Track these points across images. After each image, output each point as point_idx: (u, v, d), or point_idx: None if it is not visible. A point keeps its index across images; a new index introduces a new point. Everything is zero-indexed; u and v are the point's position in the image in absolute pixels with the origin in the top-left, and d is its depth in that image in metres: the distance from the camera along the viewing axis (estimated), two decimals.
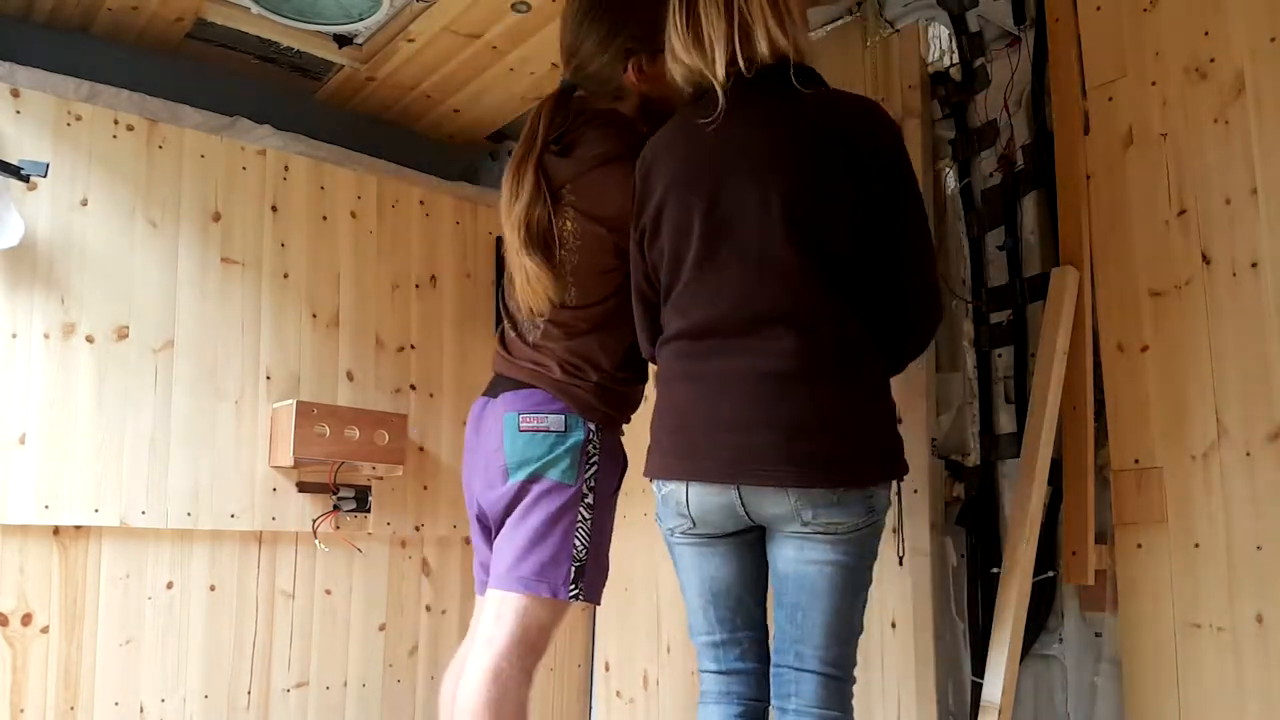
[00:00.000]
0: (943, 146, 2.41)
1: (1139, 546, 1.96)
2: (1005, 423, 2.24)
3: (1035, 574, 2.06)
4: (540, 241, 1.92)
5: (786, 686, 1.68)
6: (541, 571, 1.85)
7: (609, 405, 1.96)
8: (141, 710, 2.47)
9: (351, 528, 2.81)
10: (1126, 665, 1.96)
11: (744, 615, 1.78)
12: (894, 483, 1.75)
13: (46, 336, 2.42)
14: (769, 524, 1.70)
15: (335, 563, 2.81)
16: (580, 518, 1.88)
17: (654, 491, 1.79)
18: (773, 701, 1.72)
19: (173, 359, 2.59)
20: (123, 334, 2.52)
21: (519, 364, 1.99)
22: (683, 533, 1.76)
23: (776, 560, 1.71)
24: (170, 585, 2.54)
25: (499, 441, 1.93)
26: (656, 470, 1.75)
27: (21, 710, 2.29)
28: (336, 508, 2.77)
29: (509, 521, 1.92)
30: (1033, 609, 2.05)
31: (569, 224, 1.95)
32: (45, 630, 2.35)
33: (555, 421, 1.90)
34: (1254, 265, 1.83)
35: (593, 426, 1.92)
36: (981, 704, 1.91)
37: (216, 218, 2.71)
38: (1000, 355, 2.28)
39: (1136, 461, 1.98)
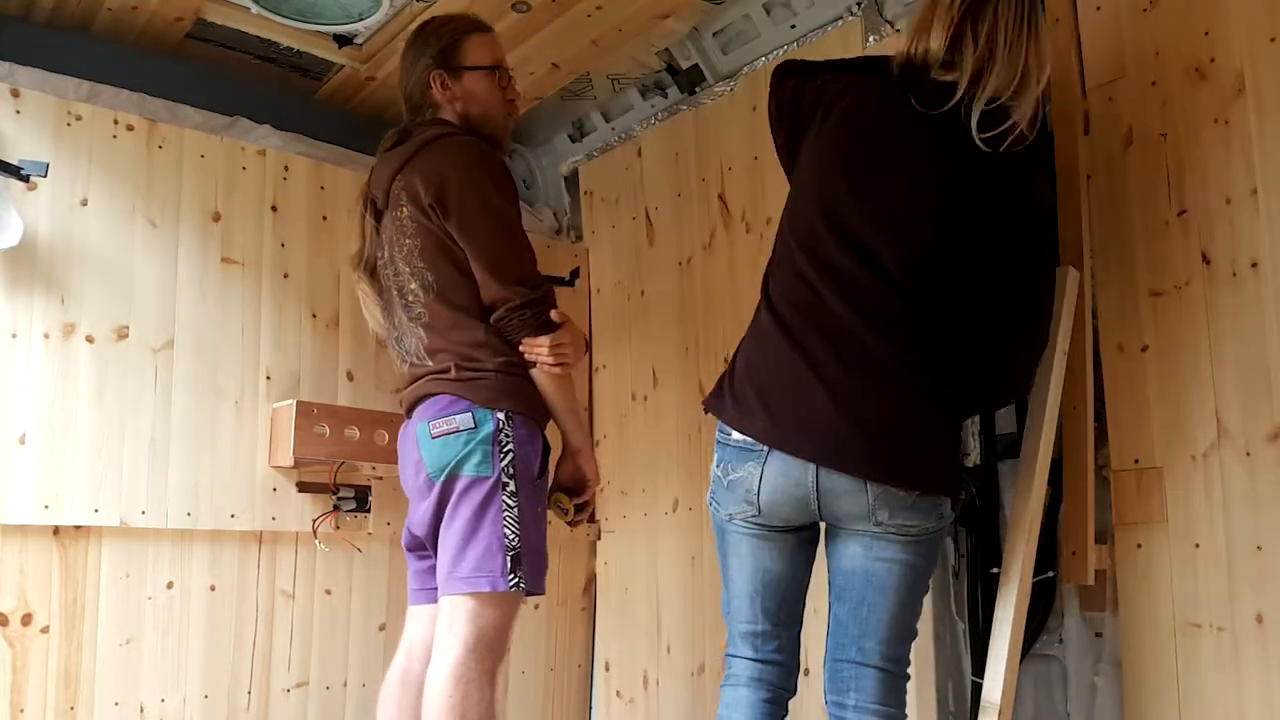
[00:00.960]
0: None
1: (1139, 546, 1.96)
2: (1005, 423, 2.24)
3: (1035, 574, 2.06)
4: (369, 264, 2.10)
5: (846, 682, 1.70)
6: (478, 566, 1.86)
7: (514, 393, 1.95)
8: (141, 710, 2.47)
9: (351, 528, 2.81)
10: (1126, 665, 1.96)
11: (788, 610, 1.80)
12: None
13: (46, 336, 2.41)
14: (838, 521, 1.70)
15: (335, 563, 2.80)
16: (505, 506, 1.88)
17: (717, 469, 1.75)
18: (828, 698, 1.73)
19: (173, 359, 2.59)
20: (123, 334, 2.52)
21: (420, 381, 2.01)
22: (743, 520, 1.74)
23: (841, 557, 1.73)
24: (170, 585, 2.54)
25: (418, 455, 1.95)
26: (740, 424, 1.70)
27: (21, 710, 2.29)
28: (336, 508, 2.77)
29: (442, 527, 1.92)
30: (1033, 609, 2.05)
31: (404, 209, 1.99)
32: (45, 630, 2.34)
33: (463, 420, 1.91)
34: (1254, 265, 1.83)
35: (501, 416, 1.92)
36: (981, 704, 1.91)
37: (216, 218, 2.71)
38: None
39: (1136, 461, 1.98)
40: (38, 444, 2.37)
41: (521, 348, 1.97)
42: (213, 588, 2.60)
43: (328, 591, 2.77)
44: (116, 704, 2.43)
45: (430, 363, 2.01)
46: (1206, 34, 1.92)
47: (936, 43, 1.71)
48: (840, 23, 2.61)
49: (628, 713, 3.03)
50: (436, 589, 1.97)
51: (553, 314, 1.97)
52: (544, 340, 1.95)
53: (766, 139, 2.56)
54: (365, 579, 2.85)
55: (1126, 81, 2.06)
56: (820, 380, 1.64)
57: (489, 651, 1.87)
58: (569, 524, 2.19)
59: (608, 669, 3.14)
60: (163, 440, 2.55)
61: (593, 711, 3.20)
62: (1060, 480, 2.07)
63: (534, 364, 1.98)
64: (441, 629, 1.88)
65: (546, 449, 2.02)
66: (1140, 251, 2.01)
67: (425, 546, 2.03)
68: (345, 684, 2.79)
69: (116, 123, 2.58)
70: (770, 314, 1.73)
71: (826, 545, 1.78)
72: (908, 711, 2.22)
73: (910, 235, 1.68)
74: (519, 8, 2.65)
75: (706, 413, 1.79)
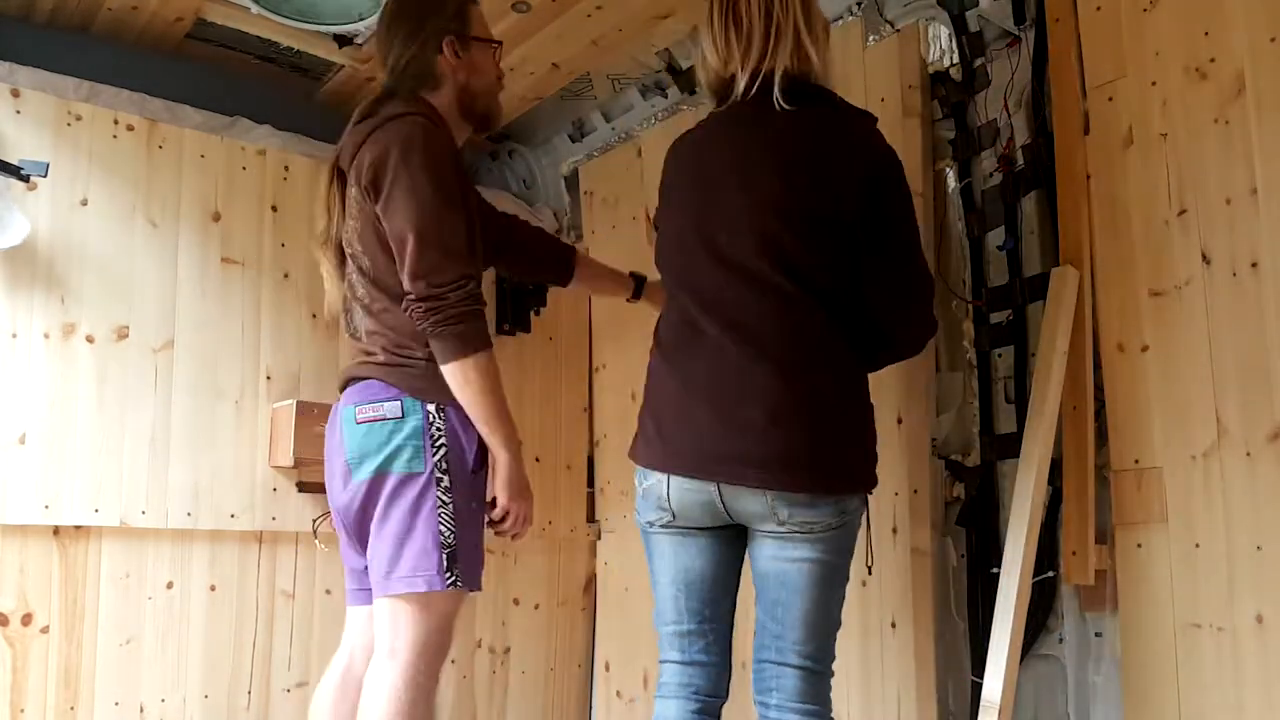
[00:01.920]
0: (943, 146, 2.42)
1: (1139, 546, 1.96)
2: (1005, 423, 2.24)
3: (1035, 574, 2.06)
4: (334, 241, 2.00)
5: (768, 682, 1.72)
6: (415, 567, 1.80)
7: (445, 383, 1.86)
8: (141, 710, 2.47)
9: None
10: (1126, 665, 1.96)
11: (713, 608, 1.81)
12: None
13: (46, 336, 2.41)
14: (747, 522, 1.73)
15: (335, 563, 2.80)
16: (439, 503, 1.82)
17: (636, 482, 1.81)
18: (755, 697, 1.75)
19: (173, 359, 2.59)
20: (123, 334, 2.52)
21: (356, 361, 1.96)
22: (661, 525, 1.79)
23: (757, 559, 1.76)
24: (170, 585, 2.54)
25: (339, 439, 1.89)
26: (640, 457, 1.80)
27: (21, 710, 2.29)
28: None
29: (373, 527, 1.86)
30: (1033, 609, 2.05)
31: (353, 189, 1.92)
32: (45, 630, 2.34)
33: (391, 408, 1.84)
34: (1254, 265, 1.83)
35: (431, 408, 1.85)
36: (981, 704, 1.91)
37: (216, 218, 2.71)
38: (1000, 355, 2.28)
39: (1136, 461, 1.98)
40: (38, 444, 2.37)
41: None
42: (213, 588, 2.60)
43: (328, 591, 2.77)
44: (116, 704, 2.43)
45: (365, 343, 1.94)
46: (1206, 34, 1.92)
47: (710, 53, 1.82)
48: (840, 23, 2.60)
49: (628, 713, 3.03)
50: (370, 589, 1.92)
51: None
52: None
53: None
54: None
55: (1126, 81, 2.06)
56: (705, 402, 1.70)
57: (437, 653, 1.83)
58: (512, 537, 2.04)
59: (608, 669, 3.14)
60: (163, 440, 2.55)
61: (593, 711, 3.20)
62: (1060, 480, 2.07)
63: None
64: (383, 631, 1.83)
65: (480, 442, 1.92)
66: (1140, 251, 2.01)
67: (350, 534, 1.96)
68: None
69: (116, 123, 2.58)
70: (658, 352, 1.82)
71: (748, 546, 1.79)
72: (908, 712, 2.23)
73: (764, 231, 1.72)
74: (519, 8, 2.65)
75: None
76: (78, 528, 2.41)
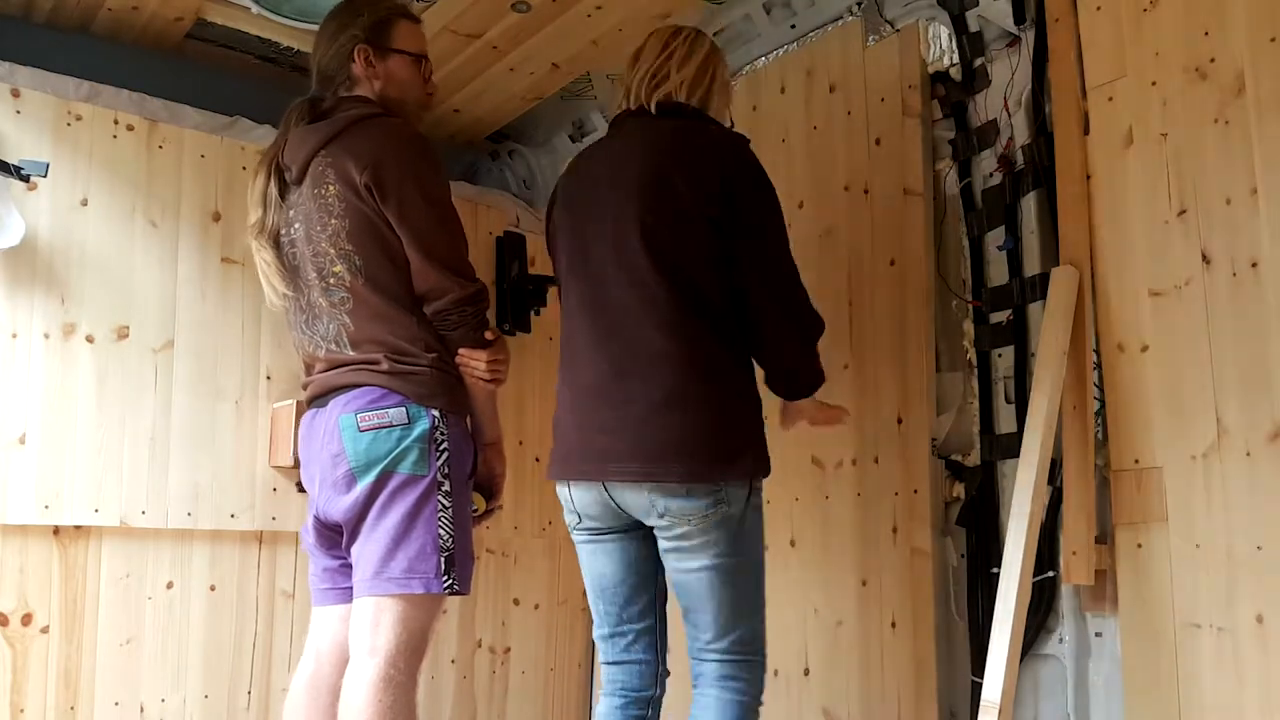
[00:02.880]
0: (943, 146, 2.42)
1: (1139, 546, 1.96)
2: (1005, 423, 2.24)
3: (1035, 574, 2.06)
4: (271, 233, 1.99)
5: (695, 669, 1.86)
6: (411, 568, 1.80)
7: (448, 391, 1.90)
8: (141, 710, 2.47)
9: None
10: (1126, 665, 1.96)
11: (628, 610, 1.93)
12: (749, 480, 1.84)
13: (46, 336, 2.41)
14: (641, 517, 1.84)
15: None
16: (440, 507, 1.83)
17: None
18: (692, 686, 1.87)
19: (173, 359, 2.59)
20: (123, 334, 2.52)
21: (341, 370, 1.92)
22: (576, 529, 1.95)
23: (665, 569, 1.88)
24: (170, 585, 2.54)
25: (339, 447, 1.86)
26: (548, 471, 1.97)
27: (21, 710, 2.29)
28: None
29: (365, 524, 1.85)
30: (1033, 609, 2.05)
31: (331, 188, 1.91)
32: (45, 630, 2.34)
33: (396, 415, 1.85)
34: (1254, 265, 1.83)
35: (436, 414, 1.87)
36: (981, 704, 1.91)
37: (216, 218, 2.71)
38: (1000, 355, 2.28)
39: (1136, 461, 1.98)
40: (38, 444, 2.37)
41: (459, 357, 1.93)
42: (213, 588, 2.60)
43: None
44: (116, 704, 2.43)
45: (353, 351, 1.92)
46: (1206, 34, 1.92)
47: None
48: (840, 23, 2.61)
49: None
50: (346, 589, 1.92)
51: (487, 332, 1.95)
52: (482, 355, 1.93)
53: (765, 139, 2.57)
54: None
55: (1126, 81, 2.06)
56: (588, 409, 1.86)
57: (416, 654, 1.82)
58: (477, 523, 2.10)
59: None
60: (163, 440, 2.55)
61: (593, 711, 3.20)
62: (1060, 480, 2.07)
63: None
64: (364, 631, 1.81)
65: (475, 448, 1.97)
66: (1140, 251, 2.01)
67: (334, 545, 1.95)
68: None
69: (116, 123, 2.58)
70: (559, 378, 1.97)
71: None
72: (907, 709, 2.23)
73: (635, 238, 1.83)
74: (519, 8, 2.65)
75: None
76: (78, 528, 2.41)
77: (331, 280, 1.92)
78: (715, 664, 1.83)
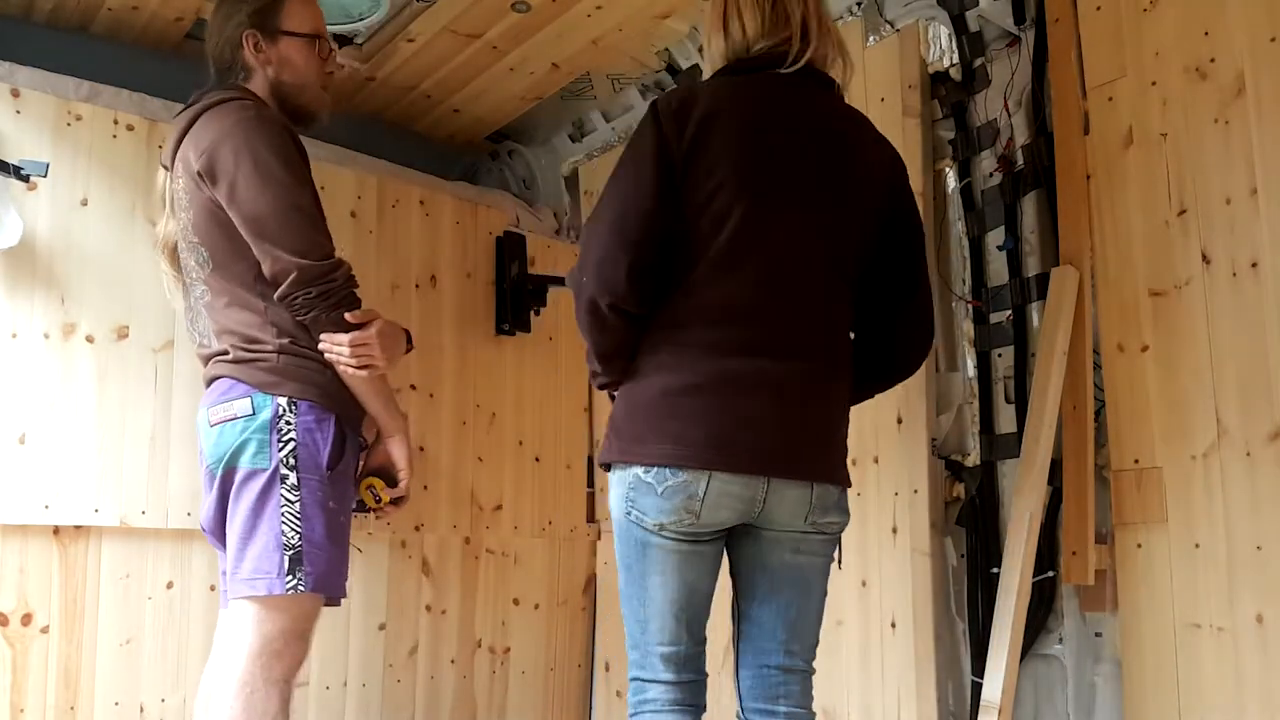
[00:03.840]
0: (943, 146, 2.42)
1: (1139, 546, 1.96)
2: (1005, 423, 2.24)
3: (1035, 574, 2.06)
4: (169, 245, 1.95)
5: (775, 689, 1.66)
6: (256, 568, 1.73)
7: (298, 376, 1.81)
8: (141, 710, 2.47)
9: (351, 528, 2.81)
10: (1126, 665, 1.96)
11: (703, 625, 1.69)
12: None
13: (46, 336, 2.41)
14: (771, 525, 1.63)
15: None
16: (283, 500, 1.75)
17: (643, 483, 1.60)
18: (751, 705, 1.67)
19: (173, 359, 2.59)
20: (123, 334, 2.52)
21: (209, 365, 1.89)
22: (675, 530, 1.59)
23: (765, 559, 1.67)
24: (170, 585, 2.54)
25: (200, 446, 1.83)
26: (681, 459, 1.58)
27: (21, 710, 2.28)
28: None
29: (227, 524, 1.80)
30: (1033, 609, 2.05)
31: (180, 181, 1.87)
32: (45, 630, 2.34)
33: (241, 406, 1.77)
34: (1254, 265, 1.83)
35: (282, 401, 1.78)
36: (981, 704, 1.91)
37: None
38: (1000, 355, 2.28)
39: (1136, 461, 1.98)
40: (38, 444, 2.37)
41: (321, 345, 1.82)
42: (213, 588, 2.60)
43: None
44: (116, 704, 2.42)
45: (216, 344, 1.87)
46: (1206, 34, 1.92)
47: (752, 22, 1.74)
48: (840, 23, 2.60)
49: (628, 713, 3.02)
50: None
51: (352, 315, 1.82)
52: (344, 339, 1.79)
53: None
54: (365, 579, 2.85)
55: (1126, 81, 2.06)
56: (758, 396, 1.61)
57: (275, 658, 1.73)
58: (375, 514, 2.04)
59: (608, 669, 3.14)
60: (163, 440, 2.55)
61: (593, 711, 3.20)
62: (1060, 480, 2.07)
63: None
64: (230, 634, 1.76)
65: (344, 436, 1.86)
66: (1140, 251, 2.01)
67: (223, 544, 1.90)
68: (345, 684, 2.79)
69: (116, 123, 2.57)
70: (690, 349, 1.69)
71: (744, 548, 1.69)
72: (908, 712, 2.23)
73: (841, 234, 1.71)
74: (519, 8, 2.65)
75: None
76: (78, 528, 2.41)
77: (193, 275, 1.89)
78: (804, 679, 1.67)
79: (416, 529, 2.95)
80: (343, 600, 1.97)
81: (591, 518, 3.28)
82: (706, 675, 1.70)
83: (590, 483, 3.31)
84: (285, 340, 1.82)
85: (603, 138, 3.34)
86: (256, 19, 1.94)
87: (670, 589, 1.62)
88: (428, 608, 2.97)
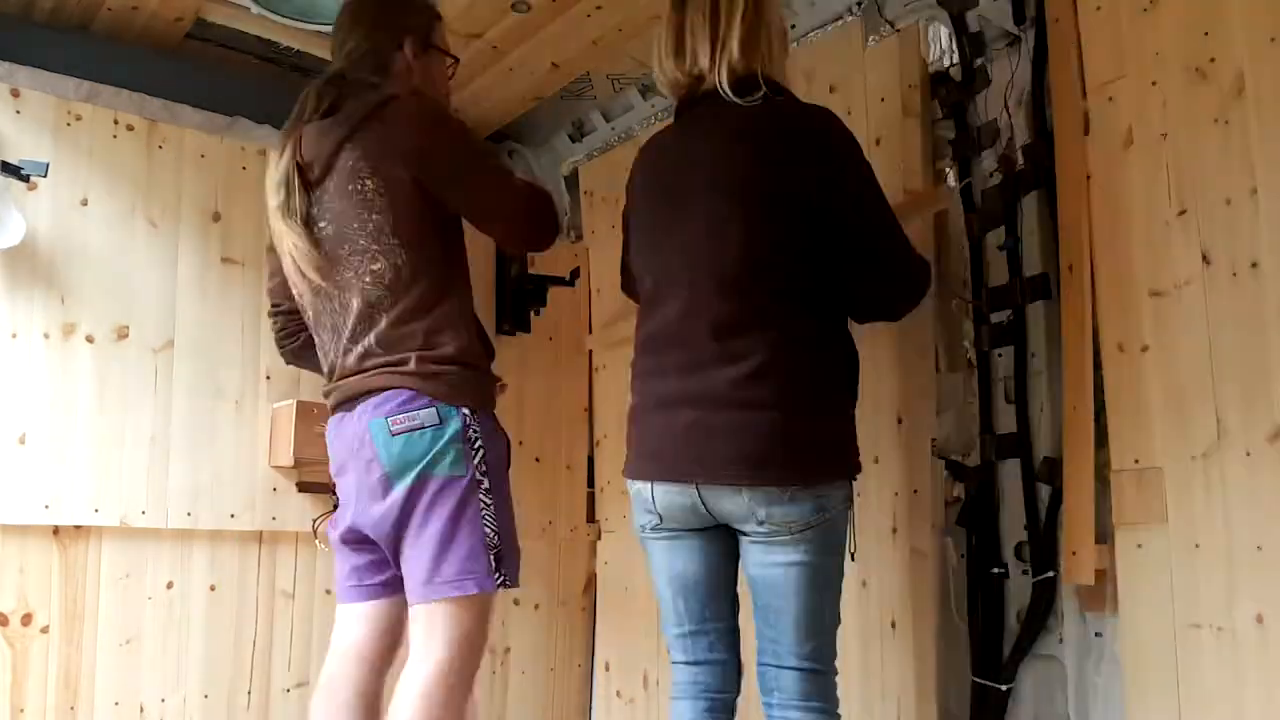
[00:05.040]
0: (943, 146, 2.41)
1: (1139, 546, 1.96)
2: (1005, 423, 2.24)
3: (1035, 574, 2.06)
4: (301, 215, 1.90)
5: (769, 683, 1.76)
6: (463, 570, 1.80)
7: (475, 387, 1.88)
8: (141, 710, 2.47)
9: None
10: (1126, 665, 1.96)
11: (713, 607, 1.85)
12: (849, 481, 1.80)
13: (46, 336, 2.42)
14: (730, 522, 1.76)
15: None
16: (483, 505, 1.83)
17: (631, 493, 1.88)
18: (761, 698, 1.77)
19: (173, 359, 2.59)
20: (123, 334, 2.52)
21: (369, 373, 1.88)
22: (652, 529, 1.85)
23: (745, 565, 1.80)
24: (170, 585, 2.54)
25: (372, 453, 1.84)
26: (629, 472, 1.88)
27: (21, 710, 2.29)
28: (337, 507, 2.77)
29: (410, 532, 1.83)
30: (1033, 609, 2.05)
31: (369, 181, 1.86)
32: (45, 630, 2.35)
33: (428, 415, 1.82)
34: (1254, 265, 1.83)
35: (467, 412, 1.84)
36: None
37: (216, 218, 2.71)
38: (1000, 355, 2.27)
39: (1136, 461, 1.98)
40: (38, 444, 2.37)
41: None
42: (213, 588, 2.60)
43: (327, 591, 2.77)
44: (116, 704, 2.43)
45: (383, 351, 1.87)
46: (1206, 34, 1.92)
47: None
48: (840, 23, 2.60)
49: (628, 713, 3.03)
50: (375, 585, 1.94)
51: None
52: None
53: None
54: None
55: (1126, 81, 2.05)
56: (684, 407, 1.77)
57: (474, 653, 1.82)
58: None
59: (608, 669, 3.14)
60: (163, 440, 2.55)
61: (593, 711, 3.20)
62: (1060, 480, 2.07)
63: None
64: (419, 637, 1.81)
65: (507, 440, 1.96)
66: (1140, 251, 2.01)
67: (363, 542, 1.93)
68: None
69: (116, 123, 2.58)
70: (634, 378, 1.91)
71: (739, 550, 1.82)
72: (908, 712, 2.23)
73: (740, 227, 1.78)
74: (519, 8, 2.65)
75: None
76: (78, 528, 2.41)
77: (369, 279, 1.87)
78: (794, 675, 1.73)
79: None
80: (333, 598, 2.03)
81: (592, 518, 3.28)
82: (728, 659, 1.85)
83: (590, 483, 3.31)
84: (465, 351, 1.89)
85: (602, 138, 3.34)
86: (419, 28, 2.04)
87: (664, 577, 1.87)
88: None
